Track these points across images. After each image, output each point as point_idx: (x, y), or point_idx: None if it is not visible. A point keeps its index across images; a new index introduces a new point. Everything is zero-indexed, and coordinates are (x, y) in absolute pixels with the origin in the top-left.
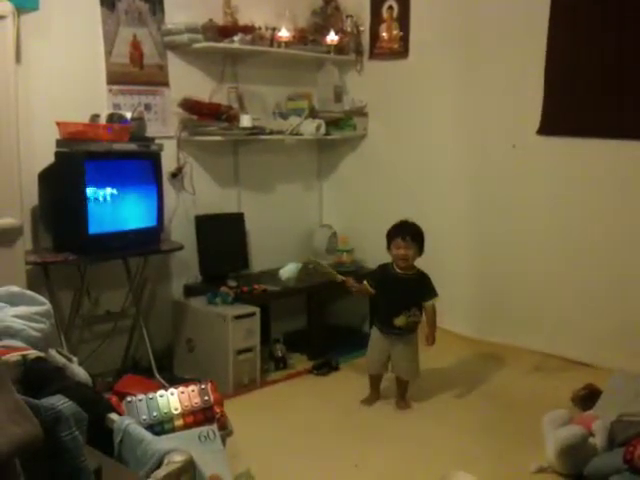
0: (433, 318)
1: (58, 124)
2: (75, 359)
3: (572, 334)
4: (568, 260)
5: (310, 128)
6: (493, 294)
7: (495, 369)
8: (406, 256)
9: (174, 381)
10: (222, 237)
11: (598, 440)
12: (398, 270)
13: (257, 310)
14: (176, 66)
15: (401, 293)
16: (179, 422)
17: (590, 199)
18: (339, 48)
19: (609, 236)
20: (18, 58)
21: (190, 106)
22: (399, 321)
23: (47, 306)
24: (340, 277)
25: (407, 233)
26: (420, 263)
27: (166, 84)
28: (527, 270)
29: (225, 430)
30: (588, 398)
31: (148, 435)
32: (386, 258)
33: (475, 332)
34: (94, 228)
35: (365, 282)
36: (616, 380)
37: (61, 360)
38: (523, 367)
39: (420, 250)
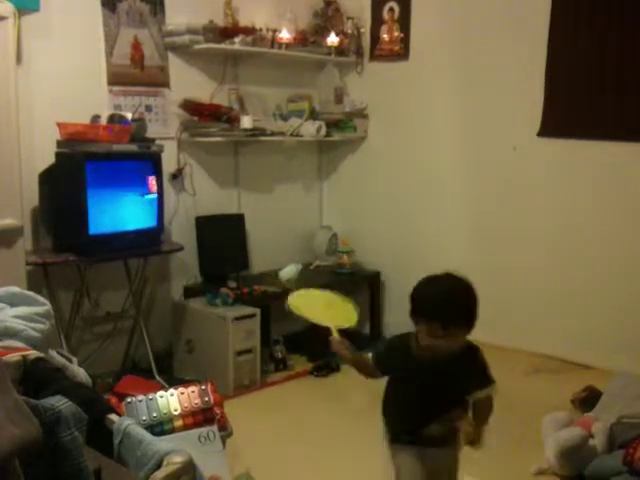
0: (486, 414)
1: (58, 125)
2: (75, 360)
3: (572, 336)
4: (569, 262)
5: (310, 129)
6: (493, 296)
7: (495, 371)
8: (445, 349)
9: (174, 382)
10: (222, 238)
11: (598, 442)
12: (427, 353)
13: (257, 311)
14: (177, 67)
15: (433, 387)
16: (179, 423)
17: (591, 201)
18: (340, 50)
19: (610, 237)
20: (19, 59)
21: (191, 107)
22: (431, 431)
23: (47, 307)
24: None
25: (440, 315)
26: (419, 267)
27: (167, 85)
28: (528, 272)
29: (225, 431)
30: (588, 400)
31: (148, 436)
32: (392, 264)
33: (475, 334)
34: (94, 229)
35: (369, 357)
36: (616, 382)
37: (61, 361)
38: (523, 369)
39: (471, 327)
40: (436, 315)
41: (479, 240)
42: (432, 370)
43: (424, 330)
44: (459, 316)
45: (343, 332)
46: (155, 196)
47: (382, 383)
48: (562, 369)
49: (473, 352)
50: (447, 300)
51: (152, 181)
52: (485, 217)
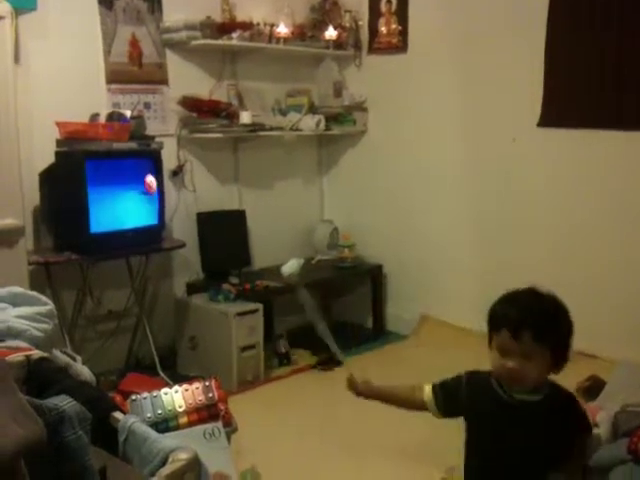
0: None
1: (58, 124)
2: (79, 358)
3: (576, 325)
4: (571, 252)
5: (310, 124)
6: (495, 287)
7: None
8: (519, 374)
9: (178, 379)
10: (223, 234)
11: (602, 431)
12: (505, 393)
13: (260, 307)
14: (175, 64)
15: (516, 440)
16: (183, 420)
17: (591, 191)
18: (338, 43)
19: (611, 227)
20: (17, 58)
21: (190, 104)
22: None
23: (50, 306)
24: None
25: (525, 325)
26: (420, 260)
27: (165, 82)
28: (529, 262)
29: (230, 427)
30: (592, 389)
31: (153, 433)
32: (393, 257)
33: (478, 325)
34: (95, 227)
35: (426, 394)
36: (620, 371)
37: (65, 360)
38: None
39: (558, 357)
40: (511, 318)
41: (480, 232)
42: (519, 417)
43: (497, 343)
44: (537, 324)
45: (344, 326)
46: (156, 193)
47: (391, 377)
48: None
49: (570, 400)
50: (525, 299)
51: (148, 181)
52: (486, 209)
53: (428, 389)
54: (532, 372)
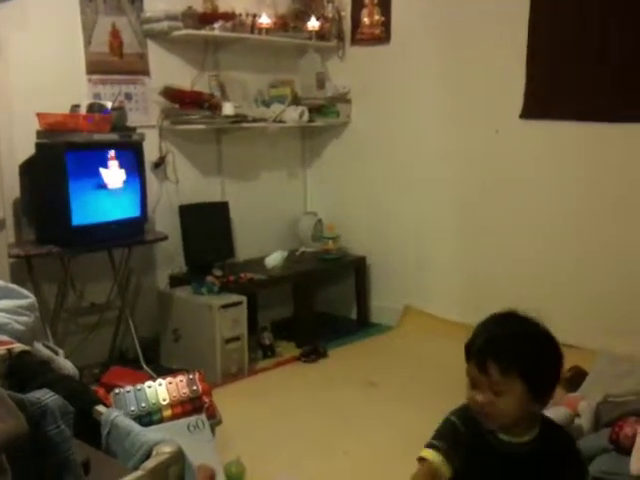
0: None
1: (38, 115)
2: (61, 352)
3: (557, 316)
4: (553, 243)
5: (293, 115)
6: (479, 278)
7: None
8: (489, 409)
9: (161, 371)
10: (207, 226)
11: (584, 421)
12: (502, 436)
13: (244, 299)
14: (156, 54)
15: None
16: (167, 413)
17: (574, 182)
18: (320, 34)
19: (593, 218)
20: None
21: (171, 95)
22: None
23: (31, 299)
24: None
25: (490, 355)
26: (404, 252)
27: (146, 73)
28: (513, 254)
29: (214, 419)
30: (574, 380)
31: (136, 426)
32: (377, 249)
33: (461, 316)
34: (77, 220)
35: (429, 455)
36: (601, 361)
37: (47, 353)
38: None
39: (536, 391)
40: (473, 350)
41: (463, 223)
42: (514, 465)
43: (468, 379)
44: (502, 354)
45: (329, 317)
46: (138, 185)
47: (375, 368)
48: None
49: (571, 445)
50: (492, 331)
51: (105, 173)
52: (469, 200)
53: (433, 453)
54: (505, 408)
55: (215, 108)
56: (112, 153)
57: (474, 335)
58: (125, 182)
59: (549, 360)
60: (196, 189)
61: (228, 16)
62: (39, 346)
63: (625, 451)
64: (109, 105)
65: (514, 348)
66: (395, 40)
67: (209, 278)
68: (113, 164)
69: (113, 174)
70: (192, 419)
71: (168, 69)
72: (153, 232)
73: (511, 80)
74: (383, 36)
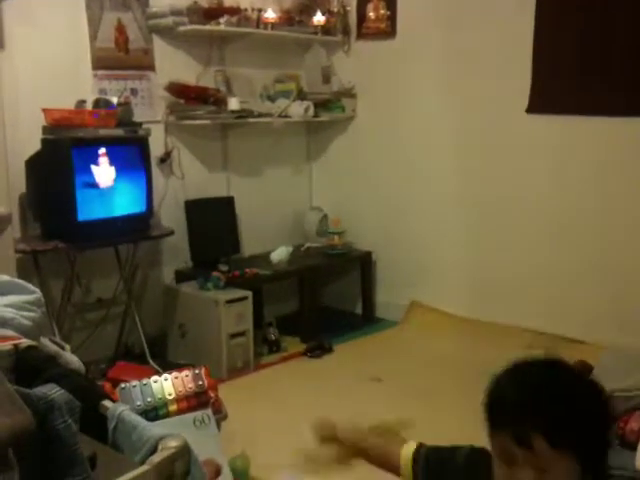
0: None
1: (44, 111)
2: (68, 347)
3: (564, 311)
4: (559, 237)
5: (298, 110)
6: (485, 273)
7: (488, 348)
8: None
9: (167, 366)
10: (212, 221)
11: None
12: None
13: (249, 294)
14: (162, 50)
15: None
16: (173, 407)
17: (580, 176)
18: (326, 29)
19: (599, 212)
20: (1, 44)
21: (177, 90)
22: None
23: (38, 294)
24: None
25: (536, 427)
26: (410, 246)
27: (152, 68)
28: (520, 248)
29: (219, 414)
30: None
31: (142, 421)
32: (383, 244)
33: (467, 311)
34: (83, 215)
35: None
36: (608, 356)
37: (54, 348)
38: (516, 345)
39: (591, 462)
40: (508, 418)
41: (469, 219)
42: None
43: (496, 452)
44: (553, 424)
45: (334, 312)
46: (144, 181)
47: (380, 364)
48: (554, 344)
49: None
50: (549, 391)
51: (140, 166)
52: (475, 195)
53: (410, 448)
54: None
55: (220, 103)
56: (118, 149)
57: (500, 396)
58: (131, 177)
59: (605, 424)
60: (202, 184)
61: (233, 11)
62: (46, 341)
63: (631, 446)
64: (115, 100)
65: (569, 416)
66: (401, 35)
67: (215, 273)
68: (119, 159)
69: (119, 169)
70: (198, 414)
71: (173, 64)
72: (159, 227)
73: (517, 74)
74: (389, 31)
